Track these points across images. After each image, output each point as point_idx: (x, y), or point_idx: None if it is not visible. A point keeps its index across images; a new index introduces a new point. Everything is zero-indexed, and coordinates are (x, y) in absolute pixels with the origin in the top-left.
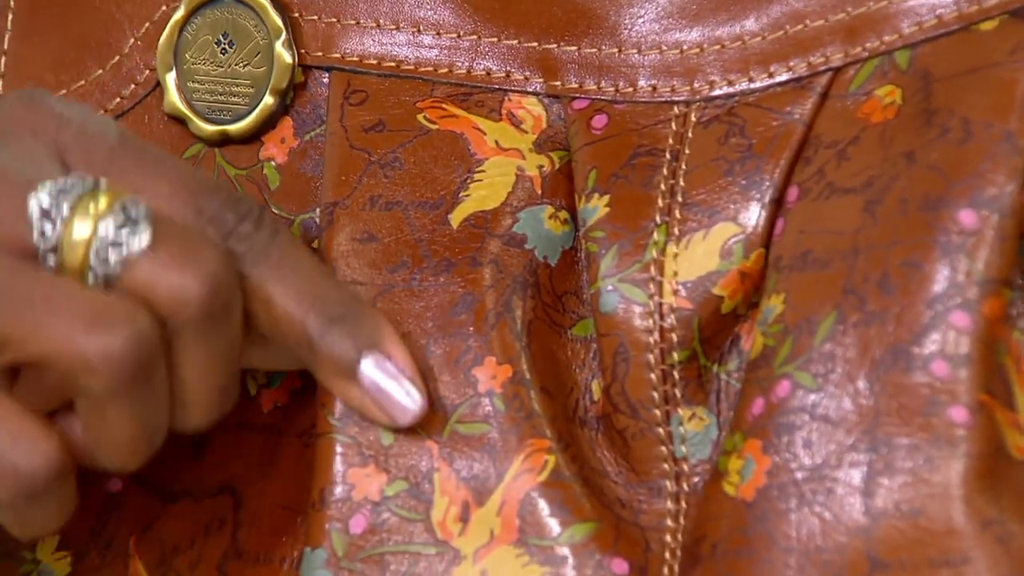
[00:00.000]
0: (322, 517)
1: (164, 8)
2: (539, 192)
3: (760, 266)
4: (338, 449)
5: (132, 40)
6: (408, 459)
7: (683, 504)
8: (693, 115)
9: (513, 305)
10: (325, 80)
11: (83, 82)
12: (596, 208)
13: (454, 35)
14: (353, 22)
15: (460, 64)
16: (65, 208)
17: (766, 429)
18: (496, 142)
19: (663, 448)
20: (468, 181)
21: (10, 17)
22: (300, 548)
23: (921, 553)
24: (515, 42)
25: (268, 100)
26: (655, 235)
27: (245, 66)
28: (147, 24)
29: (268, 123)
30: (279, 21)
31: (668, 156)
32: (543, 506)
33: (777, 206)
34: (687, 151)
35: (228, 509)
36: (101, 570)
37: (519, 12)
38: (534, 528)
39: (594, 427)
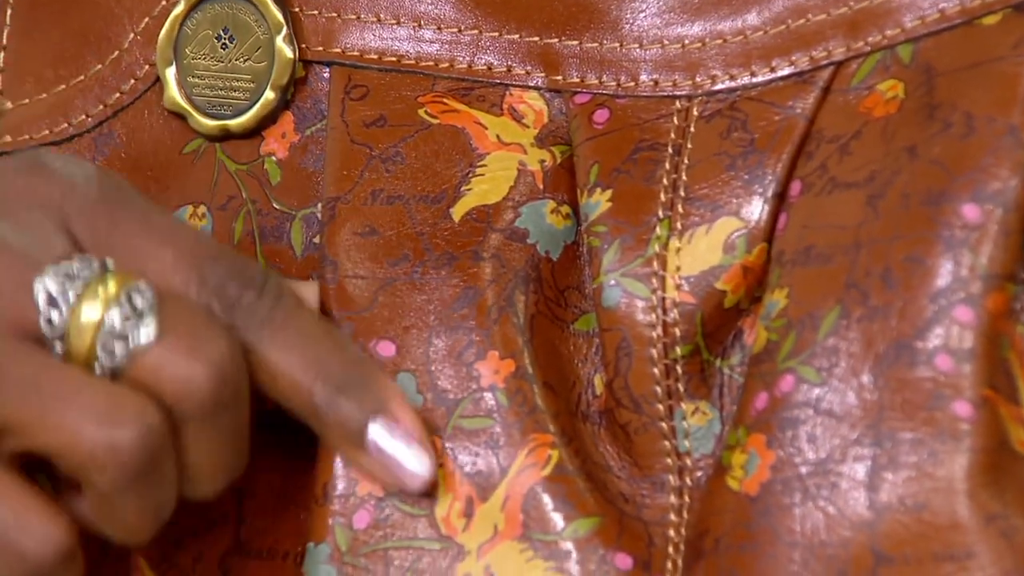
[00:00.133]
0: (325, 512)
1: (164, 3)
2: (541, 187)
3: (763, 260)
4: None
5: (132, 35)
6: None
7: (686, 499)
8: (695, 109)
9: (515, 300)
10: (326, 75)
11: (82, 77)
12: (598, 203)
13: (455, 29)
14: (354, 17)
15: (461, 59)
16: (72, 295)
17: (770, 424)
18: (497, 137)
19: (666, 443)
20: (470, 175)
21: (9, 12)
22: (303, 543)
23: (925, 547)
24: (516, 36)
25: (269, 95)
26: (657, 230)
27: (245, 61)
28: (147, 19)
29: (269, 118)
30: (280, 16)
31: (670, 150)
32: (547, 501)
33: (780, 200)
34: (689, 145)
35: (231, 504)
36: (103, 566)
37: (520, 6)
38: (538, 523)
39: (597, 422)
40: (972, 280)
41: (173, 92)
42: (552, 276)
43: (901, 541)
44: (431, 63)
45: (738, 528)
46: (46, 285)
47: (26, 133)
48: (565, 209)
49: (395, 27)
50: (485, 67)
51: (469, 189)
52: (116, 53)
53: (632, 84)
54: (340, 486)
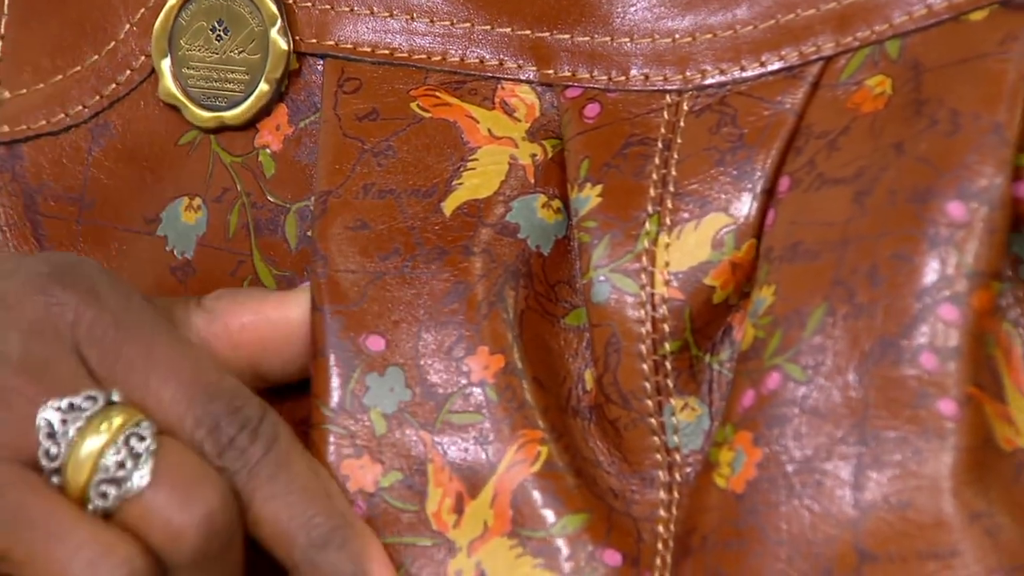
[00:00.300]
0: None
1: None
2: (532, 181)
3: (752, 256)
4: (331, 440)
5: (128, 26)
6: (401, 449)
7: (675, 494)
8: (685, 104)
9: (505, 295)
10: (319, 67)
11: (79, 67)
12: (588, 198)
13: (447, 23)
14: (347, 9)
15: (453, 52)
16: (72, 431)
17: (756, 421)
18: (489, 130)
19: (655, 438)
20: (461, 169)
21: (7, 1)
22: None
23: (910, 546)
24: (508, 30)
25: (263, 87)
26: (647, 225)
27: (240, 53)
28: (142, 10)
29: (263, 110)
30: (274, 8)
31: (660, 145)
32: (536, 497)
33: (768, 196)
34: (679, 140)
35: None
36: None
37: (512, 0)
38: (527, 519)
39: (587, 417)
40: (957, 278)
41: (168, 83)
42: (543, 271)
43: (886, 539)
44: (424, 56)
45: (725, 526)
46: (48, 418)
47: (23, 123)
48: (556, 203)
49: (388, 19)
50: (477, 60)
51: (460, 183)
52: (112, 44)
53: (623, 78)
54: None
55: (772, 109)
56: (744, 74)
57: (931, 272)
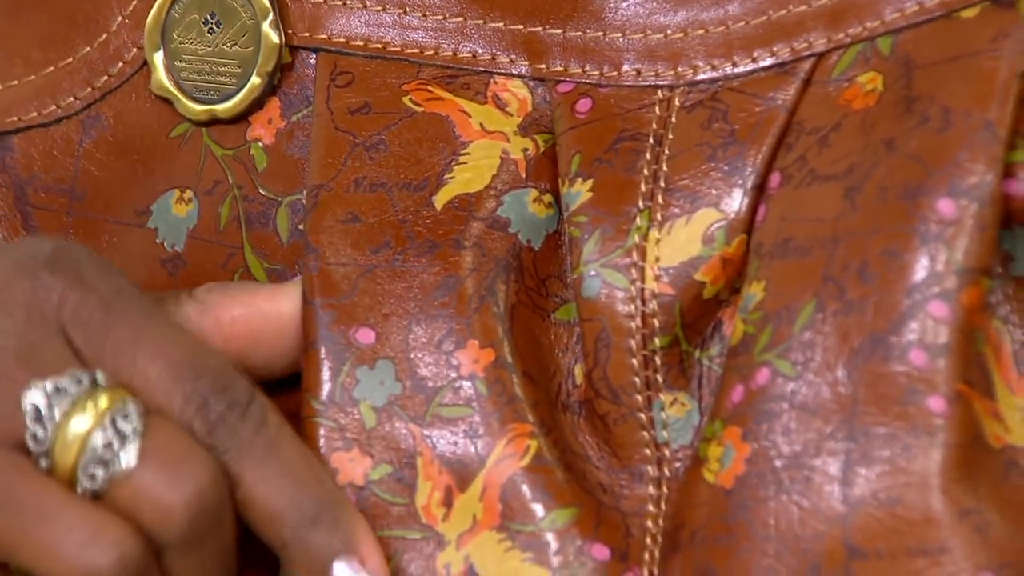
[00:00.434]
0: None
1: None
2: (523, 175)
3: (742, 252)
4: (321, 433)
5: (120, 18)
6: (391, 442)
7: (664, 489)
8: (677, 99)
9: (496, 289)
10: (312, 61)
11: (70, 60)
12: (579, 193)
13: (440, 17)
14: (340, 3)
15: (446, 46)
16: (59, 412)
17: (745, 416)
18: (481, 125)
19: (645, 433)
20: (453, 163)
21: None
22: None
23: (898, 542)
24: (500, 24)
25: (255, 80)
26: (637, 220)
27: (232, 46)
28: (135, 2)
29: (255, 104)
30: (266, 1)
31: (651, 141)
32: (525, 491)
33: (759, 192)
34: (670, 136)
35: None
36: None
37: None
38: (516, 513)
39: (576, 412)
40: (947, 275)
41: (160, 76)
42: (533, 265)
43: (874, 535)
44: (416, 50)
45: (714, 521)
46: (34, 400)
47: (14, 115)
48: (547, 198)
49: (381, 13)
50: (470, 55)
51: (452, 177)
52: (104, 36)
53: (615, 73)
54: None
55: (763, 105)
56: (736, 70)
57: (921, 269)
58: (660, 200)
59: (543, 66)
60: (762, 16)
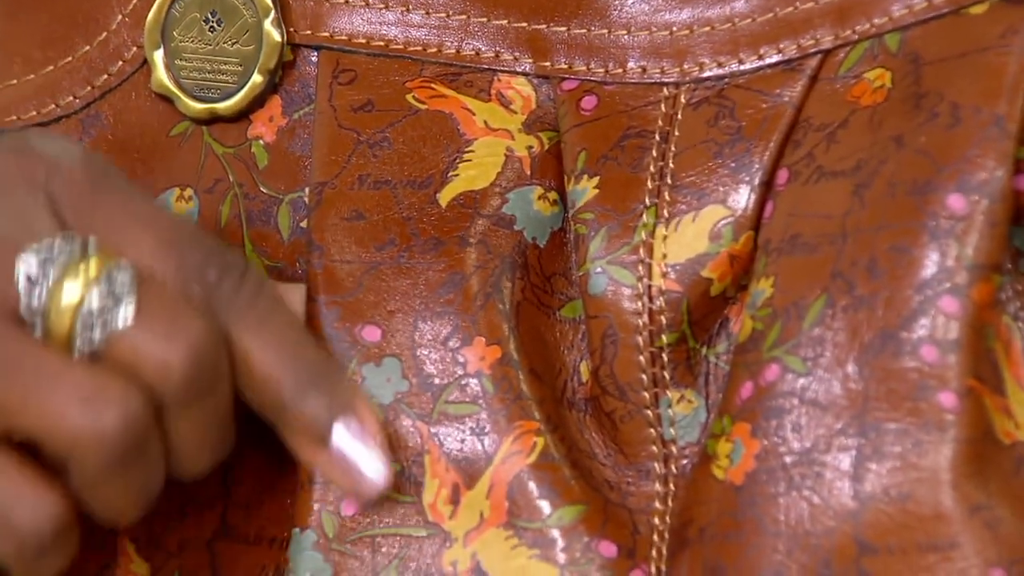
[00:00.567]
0: (311, 498)
1: None
2: (528, 173)
3: (749, 249)
4: None
5: (120, 16)
6: (398, 440)
7: (671, 486)
8: (683, 97)
9: (502, 286)
10: (314, 59)
11: (70, 58)
12: (585, 190)
13: (443, 14)
14: (342, 0)
15: (449, 44)
16: (52, 276)
17: (755, 413)
18: (485, 122)
19: (651, 430)
20: (457, 161)
21: None
22: (289, 529)
23: (909, 538)
24: (504, 22)
25: (256, 79)
26: (644, 217)
27: (233, 44)
28: (135, 0)
29: (256, 101)
30: None
31: (658, 138)
32: (532, 488)
33: (766, 189)
34: (676, 133)
35: (218, 489)
36: (89, 549)
37: None
38: (523, 510)
39: (582, 409)
40: (958, 271)
41: (161, 75)
42: (539, 262)
43: (885, 531)
44: (419, 48)
45: (723, 517)
46: (26, 265)
47: (13, 114)
48: (552, 195)
49: (383, 11)
50: (473, 52)
51: (456, 174)
52: (104, 35)
53: (620, 71)
54: None
55: (770, 102)
56: (742, 67)
57: (931, 264)
58: (667, 197)
59: (547, 63)
60: (769, 13)
